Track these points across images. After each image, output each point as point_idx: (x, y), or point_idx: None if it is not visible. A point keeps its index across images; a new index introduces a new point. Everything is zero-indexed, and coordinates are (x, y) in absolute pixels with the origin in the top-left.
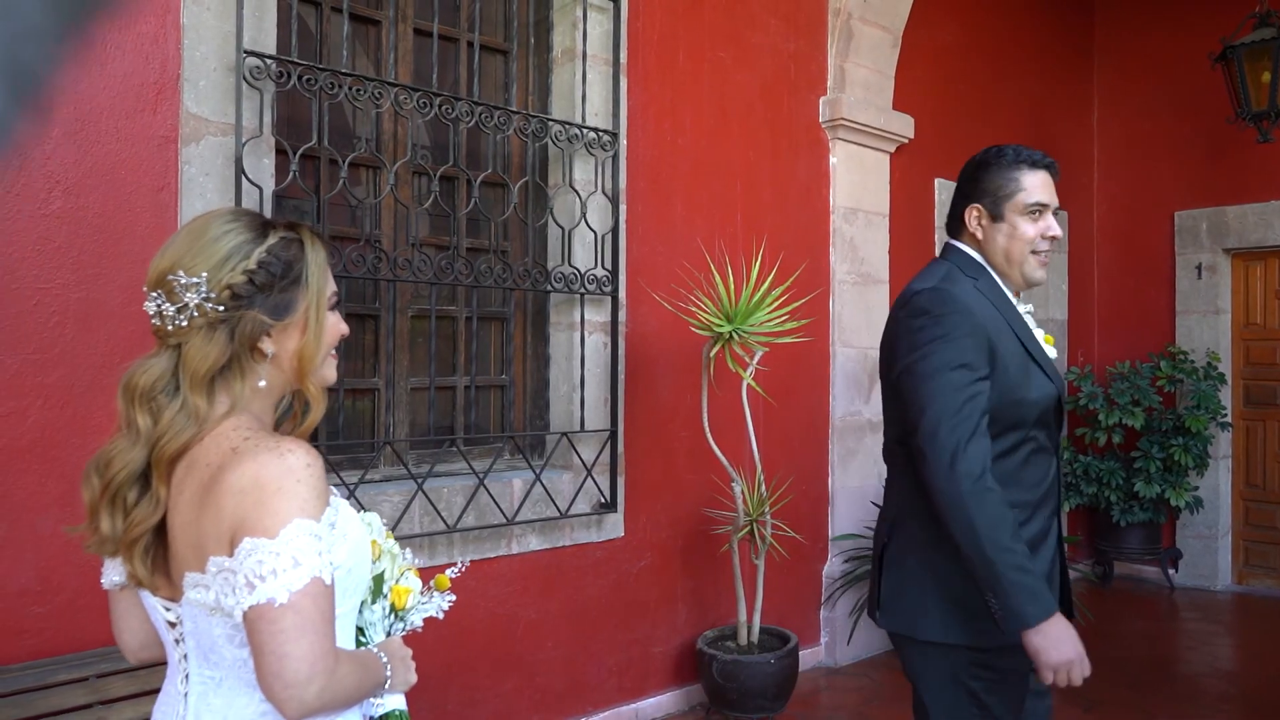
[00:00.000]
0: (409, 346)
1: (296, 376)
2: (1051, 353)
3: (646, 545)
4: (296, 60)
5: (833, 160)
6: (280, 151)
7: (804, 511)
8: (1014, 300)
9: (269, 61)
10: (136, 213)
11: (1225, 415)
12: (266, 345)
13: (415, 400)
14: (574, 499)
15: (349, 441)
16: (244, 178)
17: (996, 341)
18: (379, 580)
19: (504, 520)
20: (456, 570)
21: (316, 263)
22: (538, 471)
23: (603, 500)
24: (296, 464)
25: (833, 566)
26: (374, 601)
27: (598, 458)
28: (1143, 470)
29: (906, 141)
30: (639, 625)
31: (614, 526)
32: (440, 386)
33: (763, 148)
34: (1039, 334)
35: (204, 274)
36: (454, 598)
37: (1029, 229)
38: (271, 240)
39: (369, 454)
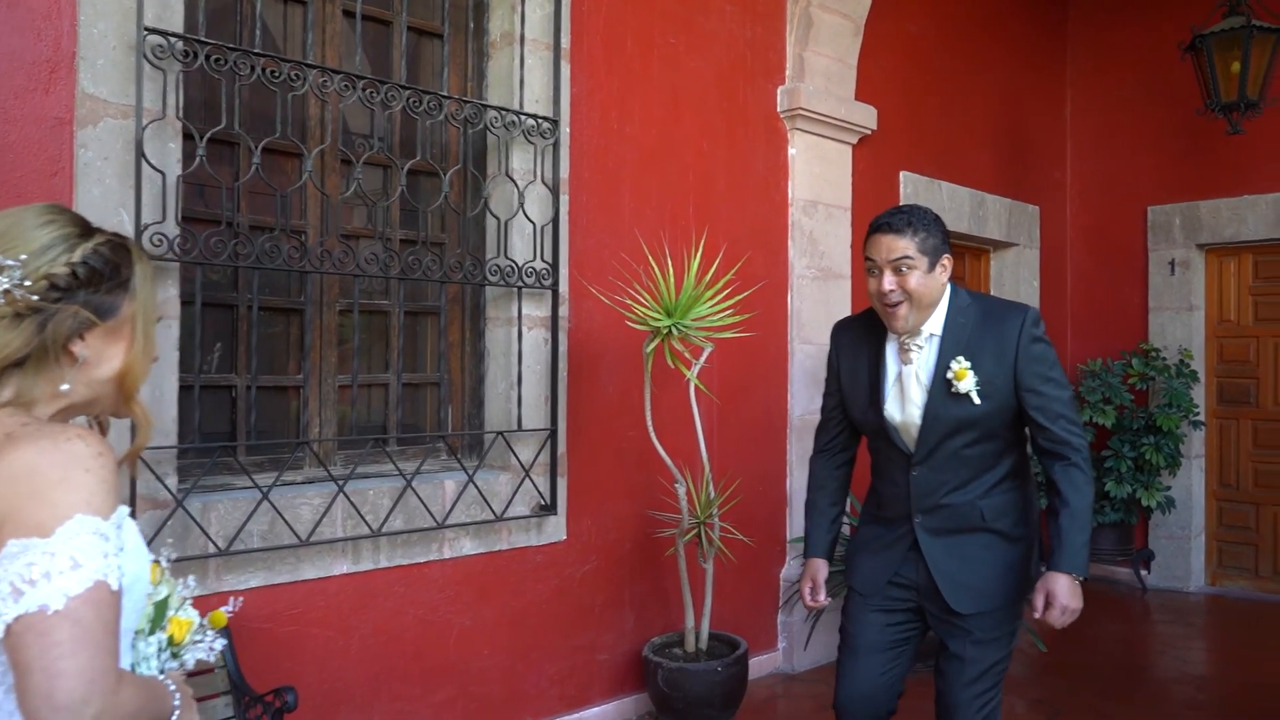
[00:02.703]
0: (337, 342)
1: (121, 396)
2: (966, 384)
3: (590, 549)
4: (204, 39)
5: (791, 151)
6: (189, 136)
7: (760, 513)
8: (895, 338)
9: (173, 40)
10: (27, 199)
11: (1198, 413)
12: (80, 348)
13: (344, 398)
14: (511, 501)
15: (269, 441)
16: (145, 162)
17: (841, 369)
18: (161, 608)
19: (435, 523)
20: (231, 607)
21: (144, 275)
22: (470, 473)
23: (542, 502)
24: (84, 452)
25: (791, 569)
26: (151, 633)
27: (536, 458)
28: (1114, 470)
29: (869, 133)
30: (582, 632)
31: (555, 529)
32: (372, 384)
33: (717, 138)
34: (919, 365)
35: (22, 257)
36: (225, 642)
37: (870, 284)
38: (98, 240)
39: (291, 455)
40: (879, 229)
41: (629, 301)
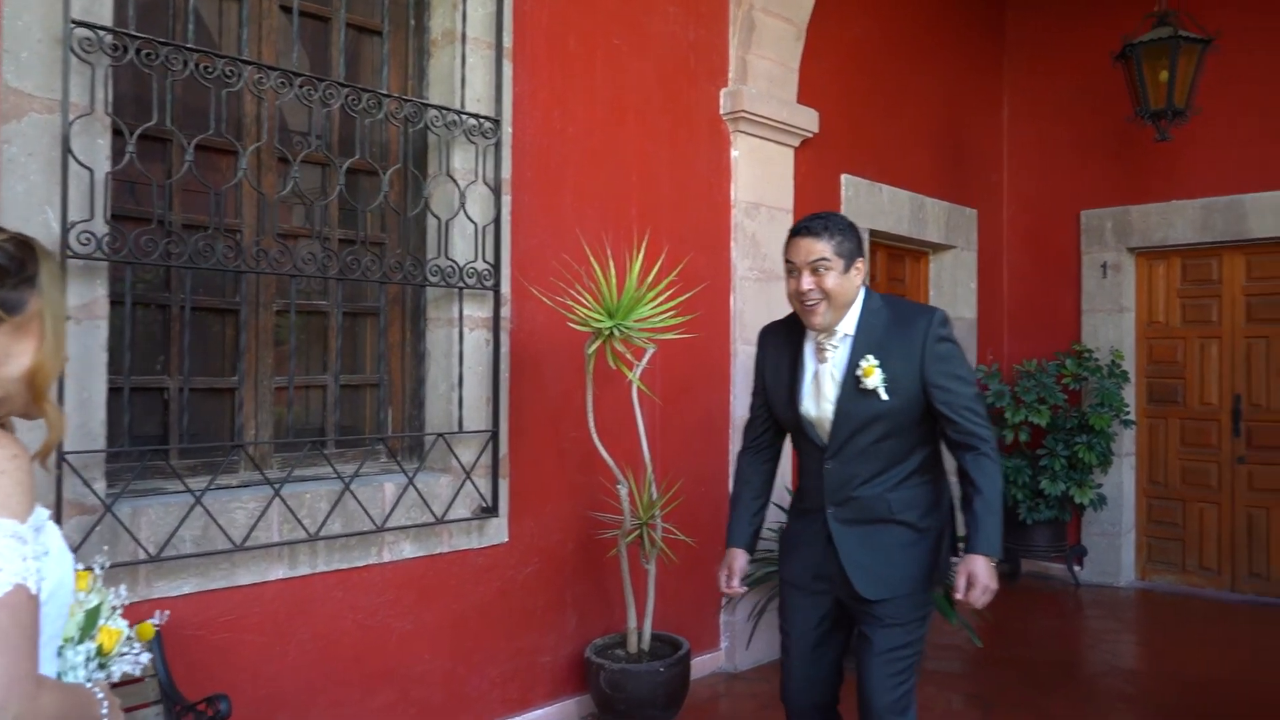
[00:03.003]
0: (274, 343)
1: (31, 395)
2: (873, 380)
3: (533, 551)
4: (135, 33)
5: (734, 153)
6: (119, 132)
7: (702, 513)
8: (814, 337)
9: (101, 33)
10: None
11: (1129, 413)
12: None
13: (280, 400)
14: (452, 503)
15: (203, 445)
16: (72, 158)
17: (766, 369)
18: (92, 616)
19: (374, 527)
20: (159, 620)
21: (51, 273)
22: (410, 475)
23: (484, 504)
24: None
25: None
26: (80, 641)
27: (478, 460)
28: (1048, 468)
29: (811, 136)
30: (525, 634)
31: (497, 532)
32: (309, 386)
33: (660, 139)
34: (833, 364)
35: None
36: (151, 655)
37: (789, 285)
38: (1, 237)
39: (225, 458)
40: (798, 233)
41: (571, 303)
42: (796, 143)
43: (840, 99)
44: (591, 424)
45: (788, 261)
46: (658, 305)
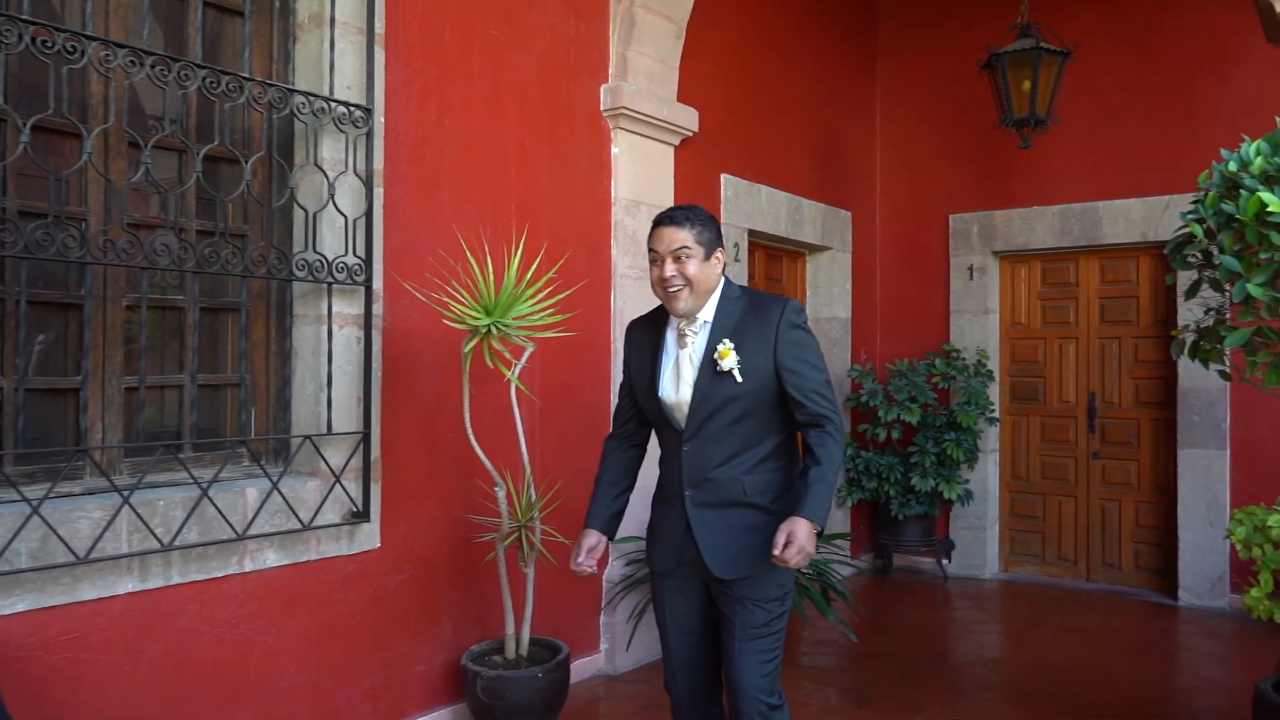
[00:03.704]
0: (123, 341)
1: None
2: (728, 363)
3: (407, 556)
4: None
5: (615, 150)
6: None
7: (583, 514)
8: (676, 324)
9: None
10: None
11: (993, 411)
12: None
13: (131, 401)
14: (320, 509)
15: (43, 450)
16: None
17: (630, 357)
18: None
19: (235, 535)
20: None
21: None
22: (275, 479)
23: (354, 509)
24: None
25: (613, 570)
26: None
27: (348, 463)
28: (919, 465)
29: (691, 135)
30: (398, 643)
31: (368, 537)
32: (165, 386)
33: (540, 134)
34: (692, 349)
35: None
36: None
37: (653, 272)
38: None
39: (68, 464)
40: (661, 223)
41: (447, 300)
42: (677, 141)
43: (720, 99)
44: (468, 425)
45: (651, 250)
46: (536, 303)
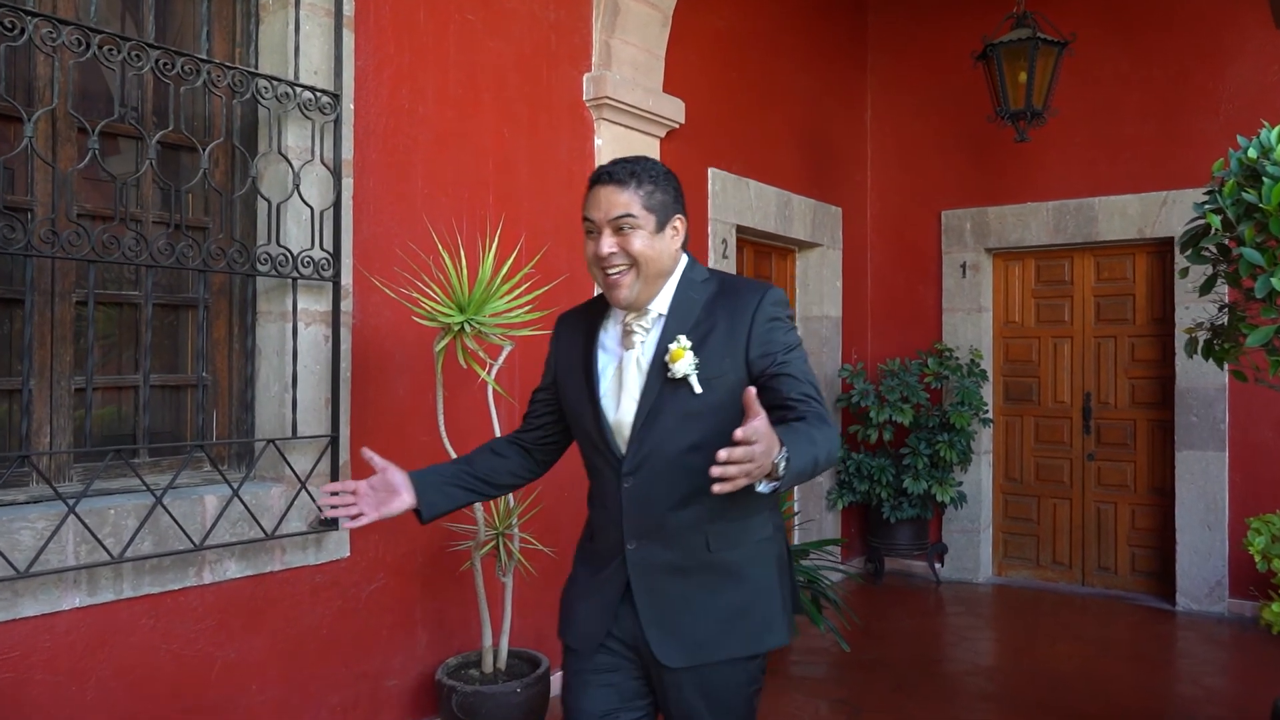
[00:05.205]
0: (72, 338)
1: None
2: (683, 366)
3: (378, 566)
4: None
5: (598, 141)
6: None
7: (563, 521)
8: (620, 318)
9: None
10: None
11: (987, 411)
12: None
13: (81, 403)
14: (285, 516)
15: None
16: None
17: (559, 361)
18: None
19: (192, 545)
20: None
21: None
22: (236, 486)
23: (322, 517)
24: None
25: None
26: None
27: (315, 467)
28: (911, 467)
29: (677, 127)
30: (369, 657)
31: (337, 546)
32: (119, 387)
33: (519, 123)
34: (640, 351)
35: None
36: None
37: (588, 248)
38: None
39: (10, 470)
40: (598, 180)
41: (418, 296)
42: (662, 133)
43: (707, 91)
44: (442, 427)
45: (586, 219)
46: (513, 299)
